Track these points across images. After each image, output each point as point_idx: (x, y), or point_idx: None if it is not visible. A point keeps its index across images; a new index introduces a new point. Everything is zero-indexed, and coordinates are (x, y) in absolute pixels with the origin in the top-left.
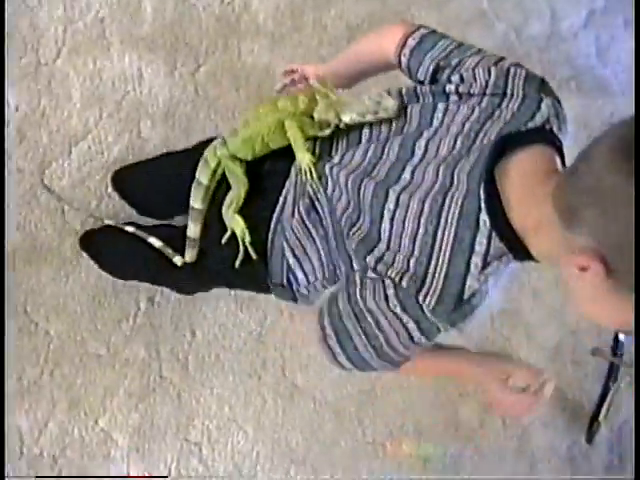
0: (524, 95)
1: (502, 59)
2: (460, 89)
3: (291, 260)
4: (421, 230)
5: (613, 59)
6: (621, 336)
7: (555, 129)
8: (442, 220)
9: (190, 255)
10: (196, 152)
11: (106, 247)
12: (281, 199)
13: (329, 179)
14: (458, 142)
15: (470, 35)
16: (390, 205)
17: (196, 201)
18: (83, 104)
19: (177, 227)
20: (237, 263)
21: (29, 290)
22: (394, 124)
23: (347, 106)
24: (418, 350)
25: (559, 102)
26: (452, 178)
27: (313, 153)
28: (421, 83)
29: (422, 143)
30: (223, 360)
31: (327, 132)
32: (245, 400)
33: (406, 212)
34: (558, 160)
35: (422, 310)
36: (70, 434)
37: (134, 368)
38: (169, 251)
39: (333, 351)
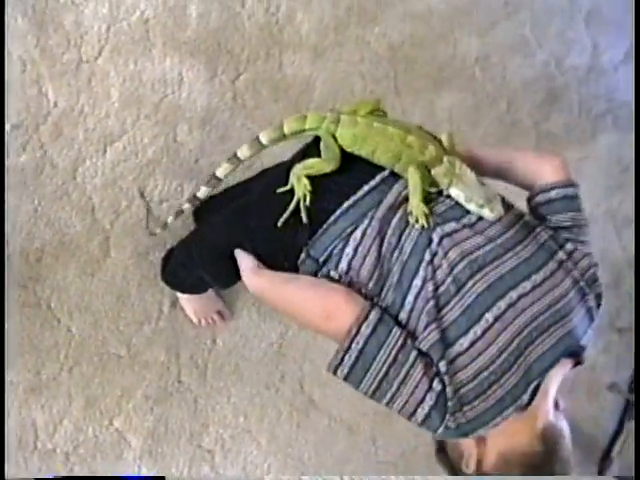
0: (595, 308)
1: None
2: (567, 258)
3: (348, 250)
4: (496, 367)
5: None
6: None
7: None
8: (506, 374)
9: (224, 170)
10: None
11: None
12: (364, 194)
13: (434, 244)
14: (546, 314)
15: (512, 63)
16: (502, 304)
17: (265, 137)
18: (121, 104)
19: None
20: (281, 220)
21: (55, 286)
22: (513, 233)
23: (462, 183)
24: None
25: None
26: (535, 340)
27: (428, 204)
28: (541, 219)
29: (537, 278)
30: (242, 370)
31: (434, 191)
32: (261, 411)
33: (506, 325)
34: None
35: (441, 420)
36: (84, 432)
37: (153, 371)
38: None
39: (348, 352)
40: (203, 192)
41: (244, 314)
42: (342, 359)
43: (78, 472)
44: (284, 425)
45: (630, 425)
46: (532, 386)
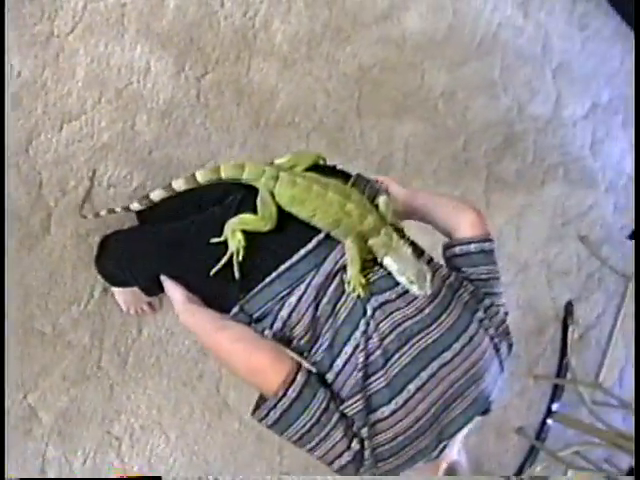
0: (506, 362)
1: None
2: (486, 316)
3: (284, 313)
4: (412, 432)
5: (605, 154)
6: (549, 421)
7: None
8: (421, 437)
9: (158, 194)
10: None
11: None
12: (298, 258)
13: (368, 314)
14: (463, 379)
15: (475, 102)
16: (424, 374)
17: (201, 175)
18: (85, 84)
19: None
20: (213, 270)
21: None
22: (439, 300)
23: (397, 255)
24: None
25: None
26: (448, 406)
27: (365, 275)
28: (456, 271)
29: (457, 346)
30: (162, 363)
31: (368, 258)
32: (174, 407)
33: (426, 395)
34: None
35: (357, 470)
36: None
37: (74, 353)
38: (126, 206)
39: (274, 408)
40: (135, 207)
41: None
42: (267, 414)
43: None
44: (195, 423)
45: (531, 471)
46: (442, 444)
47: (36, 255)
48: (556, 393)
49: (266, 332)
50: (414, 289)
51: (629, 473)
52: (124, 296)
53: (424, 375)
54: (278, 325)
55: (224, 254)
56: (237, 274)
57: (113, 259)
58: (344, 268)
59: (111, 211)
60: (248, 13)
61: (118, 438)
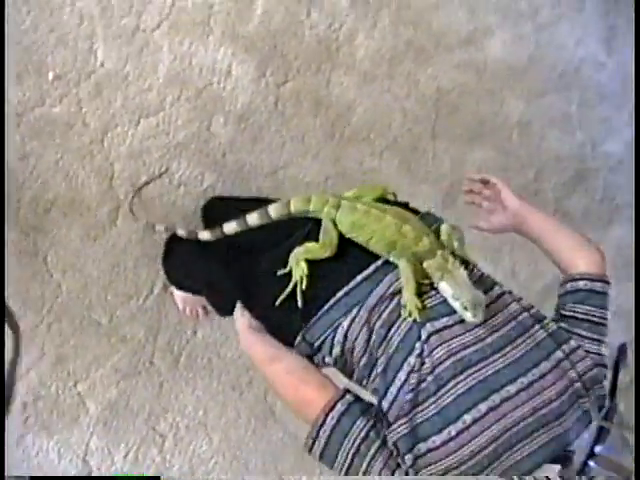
0: (593, 413)
1: (606, 365)
2: (566, 358)
3: (339, 338)
4: (463, 468)
5: None
6: (591, 462)
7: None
8: (496, 463)
9: (230, 227)
10: (294, 222)
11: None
12: (356, 285)
13: (422, 339)
14: (544, 410)
15: (550, 134)
16: (467, 418)
17: (273, 210)
18: (165, 81)
19: None
20: (279, 300)
21: (55, 240)
22: (504, 332)
23: (453, 279)
24: None
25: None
26: (510, 449)
27: (419, 297)
28: (560, 317)
29: (520, 383)
30: (214, 366)
31: (425, 282)
32: (221, 410)
33: (471, 439)
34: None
35: None
36: (47, 387)
37: (128, 346)
38: (195, 234)
39: (316, 439)
40: (205, 236)
41: None
42: (312, 445)
43: (30, 424)
44: (239, 428)
45: None
46: None
47: (100, 245)
48: (601, 436)
49: (327, 359)
50: (467, 316)
51: None
52: (183, 297)
53: (482, 407)
54: (337, 351)
55: (289, 284)
56: (300, 302)
57: (184, 273)
58: (400, 292)
59: (167, 229)
60: (333, 25)
61: (162, 435)
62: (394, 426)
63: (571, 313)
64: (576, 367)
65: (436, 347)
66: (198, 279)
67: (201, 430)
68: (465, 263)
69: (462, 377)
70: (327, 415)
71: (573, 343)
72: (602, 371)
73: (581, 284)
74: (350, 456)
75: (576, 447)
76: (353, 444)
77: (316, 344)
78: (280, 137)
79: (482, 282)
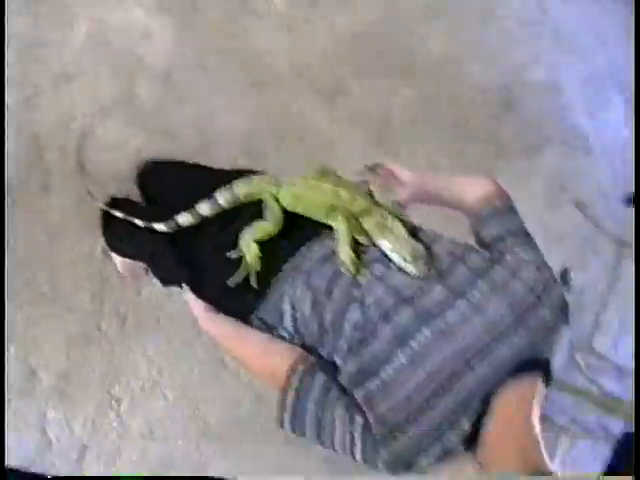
0: (550, 314)
1: (550, 269)
2: (508, 273)
3: (286, 306)
4: (415, 398)
5: (601, 120)
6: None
7: (552, 363)
8: (432, 400)
9: (184, 219)
10: (232, 175)
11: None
12: (300, 256)
13: (363, 288)
14: (483, 334)
15: (474, 68)
16: (402, 356)
17: (221, 197)
18: (85, 46)
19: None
20: (232, 282)
21: None
22: (442, 269)
23: (391, 235)
24: None
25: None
26: (461, 370)
27: (356, 252)
28: (481, 245)
29: (454, 313)
30: (161, 324)
31: (365, 242)
32: (173, 367)
33: (411, 372)
34: (542, 387)
35: (375, 453)
36: None
37: (75, 315)
38: (149, 224)
39: (285, 407)
40: (161, 228)
41: None
42: (282, 413)
43: None
44: (194, 383)
45: None
46: (472, 409)
47: (37, 216)
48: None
49: (283, 334)
50: (409, 268)
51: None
52: (122, 261)
53: (427, 332)
54: (288, 322)
55: (239, 266)
56: (254, 284)
57: (126, 243)
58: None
59: (128, 221)
60: None
61: (118, 399)
62: (345, 368)
63: (491, 238)
64: (519, 276)
65: (376, 288)
66: (140, 251)
67: (156, 389)
68: (402, 221)
69: (404, 310)
70: (291, 377)
71: (508, 257)
72: (547, 272)
73: (483, 212)
74: (317, 414)
75: (546, 355)
76: (318, 401)
77: (270, 321)
78: (203, 91)
79: (421, 236)
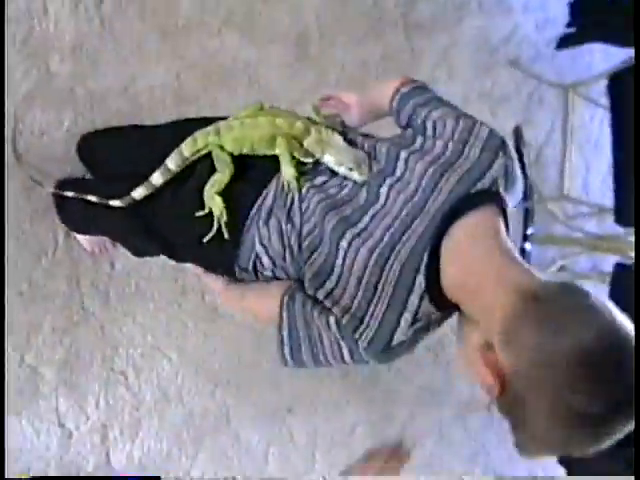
0: (482, 151)
1: (472, 116)
2: (428, 136)
3: (258, 248)
4: (365, 278)
5: None
6: (527, 245)
7: (501, 189)
8: (384, 273)
9: (139, 193)
10: (170, 129)
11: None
12: (261, 197)
13: (305, 198)
14: (415, 197)
15: None
16: (344, 244)
17: (172, 163)
18: None
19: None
20: (206, 238)
21: None
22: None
23: (332, 149)
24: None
25: (513, 163)
26: (402, 235)
27: (298, 170)
28: (403, 128)
29: (384, 190)
30: (143, 289)
31: (309, 161)
32: (167, 327)
33: (355, 256)
34: (502, 222)
35: (356, 344)
36: None
37: (56, 303)
38: (105, 200)
39: (283, 340)
40: (116, 204)
41: None
42: (282, 352)
43: None
44: (191, 337)
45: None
46: (422, 266)
47: None
48: (527, 218)
49: (266, 273)
50: (354, 176)
51: (614, 273)
52: (86, 239)
53: (354, 230)
54: (266, 261)
55: (208, 222)
56: (226, 234)
57: (85, 221)
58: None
59: (82, 199)
60: None
61: (123, 372)
62: (307, 278)
63: (408, 117)
64: (438, 134)
65: (312, 198)
66: (103, 227)
67: (156, 353)
68: (340, 132)
69: (333, 213)
70: (281, 311)
71: (427, 124)
72: (469, 119)
73: (395, 100)
74: (306, 331)
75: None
76: (305, 321)
77: (250, 267)
78: (118, 54)
79: (359, 142)
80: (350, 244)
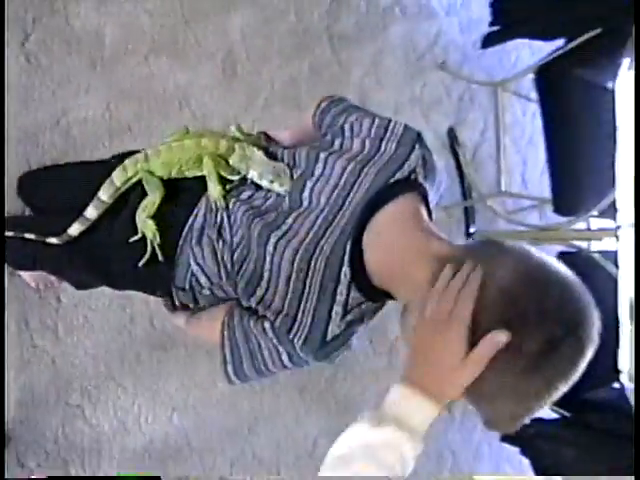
0: (398, 144)
1: (387, 117)
2: (346, 138)
3: (194, 267)
4: (293, 276)
5: None
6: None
7: (420, 178)
8: (311, 270)
9: (75, 229)
10: (107, 164)
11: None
12: (192, 217)
13: (232, 212)
14: (334, 194)
15: None
16: (270, 248)
17: (104, 194)
18: None
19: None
20: (141, 262)
21: None
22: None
23: (254, 163)
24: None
25: (430, 154)
26: (326, 231)
27: (224, 188)
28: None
29: (306, 194)
30: (92, 321)
31: (235, 178)
32: (119, 356)
33: (282, 257)
34: (423, 207)
35: (293, 346)
36: None
37: (8, 343)
38: (43, 237)
39: (226, 359)
40: (53, 241)
41: None
42: (226, 369)
43: None
44: (144, 364)
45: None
46: (346, 257)
47: None
48: (469, 217)
49: (204, 292)
50: (276, 187)
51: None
52: (30, 275)
53: (278, 232)
54: (203, 280)
55: (145, 247)
56: (160, 257)
57: (24, 259)
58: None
59: (21, 238)
60: None
61: (79, 406)
62: (239, 290)
63: (327, 127)
64: (355, 135)
65: (240, 213)
66: (42, 262)
67: (111, 383)
68: (263, 149)
69: (256, 222)
70: (223, 333)
71: (345, 127)
72: (385, 119)
73: (316, 116)
74: (245, 344)
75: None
76: (241, 332)
77: (187, 286)
78: (47, 88)
79: (282, 153)
80: (275, 247)
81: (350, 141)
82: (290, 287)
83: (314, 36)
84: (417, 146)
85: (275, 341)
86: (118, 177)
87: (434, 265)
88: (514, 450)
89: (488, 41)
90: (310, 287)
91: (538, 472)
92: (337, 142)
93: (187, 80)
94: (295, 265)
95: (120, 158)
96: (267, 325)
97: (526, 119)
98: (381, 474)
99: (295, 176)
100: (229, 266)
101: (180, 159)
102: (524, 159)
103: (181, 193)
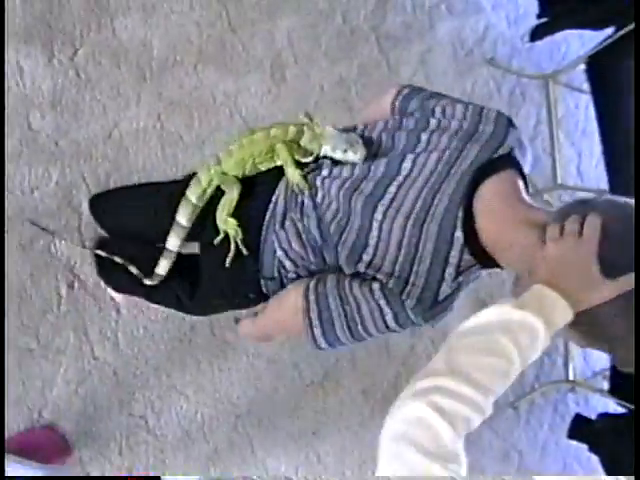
0: (495, 126)
1: (477, 104)
2: (441, 118)
3: (279, 253)
4: (405, 241)
5: None
6: None
7: (518, 156)
8: (423, 234)
9: (164, 267)
10: (181, 184)
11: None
12: (272, 204)
13: (319, 190)
14: (439, 166)
15: None
16: (378, 216)
17: (183, 217)
18: None
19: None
20: (228, 260)
21: None
22: (380, 147)
23: (325, 139)
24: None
25: (521, 135)
26: (433, 198)
27: (302, 169)
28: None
29: (407, 164)
30: (152, 331)
31: (310, 159)
32: (180, 365)
33: (392, 223)
34: (521, 183)
35: (403, 306)
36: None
37: (67, 355)
38: (141, 276)
39: (312, 323)
40: (148, 281)
41: None
42: (313, 335)
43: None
44: (206, 373)
45: None
46: (459, 222)
47: None
48: None
49: (290, 275)
50: (350, 157)
51: None
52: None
53: (384, 202)
54: (288, 264)
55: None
56: (245, 251)
57: (128, 287)
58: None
59: (113, 262)
60: None
61: (142, 416)
62: (342, 259)
63: (412, 110)
64: (451, 116)
65: (330, 186)
66: (137, 294)
67: (173, 393)
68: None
69: (357, 194)
70: (307, 299)
71: (437, 109)
72: (477, 106)
73: (397, 102)
74: (341, 309)
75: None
76: (336, 297)
77: (275, 274)
78: (97, 102)
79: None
80: (385, 215)
81: (448, 121)
82: (402, 251)
83: (361, 37)
84: (512, 129)
85: (382, 302)
86: (193, 192)
87: (538, 231)
88: (582, 447)
89: (536, 34)
90: (423, 250)
91: (608, 470)
92: (433, 121)
93: (236, 88)
94: (407, 231)
95: (189, 177)
96: (376, 286)
97: (579, 111)
98: (512, 349)
99: (400, 145)
100: (319, 243)
101: (253, 153)
102: (579, 151)
103: (255, 187)
